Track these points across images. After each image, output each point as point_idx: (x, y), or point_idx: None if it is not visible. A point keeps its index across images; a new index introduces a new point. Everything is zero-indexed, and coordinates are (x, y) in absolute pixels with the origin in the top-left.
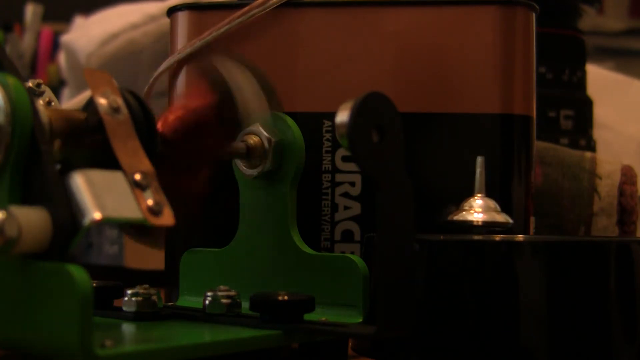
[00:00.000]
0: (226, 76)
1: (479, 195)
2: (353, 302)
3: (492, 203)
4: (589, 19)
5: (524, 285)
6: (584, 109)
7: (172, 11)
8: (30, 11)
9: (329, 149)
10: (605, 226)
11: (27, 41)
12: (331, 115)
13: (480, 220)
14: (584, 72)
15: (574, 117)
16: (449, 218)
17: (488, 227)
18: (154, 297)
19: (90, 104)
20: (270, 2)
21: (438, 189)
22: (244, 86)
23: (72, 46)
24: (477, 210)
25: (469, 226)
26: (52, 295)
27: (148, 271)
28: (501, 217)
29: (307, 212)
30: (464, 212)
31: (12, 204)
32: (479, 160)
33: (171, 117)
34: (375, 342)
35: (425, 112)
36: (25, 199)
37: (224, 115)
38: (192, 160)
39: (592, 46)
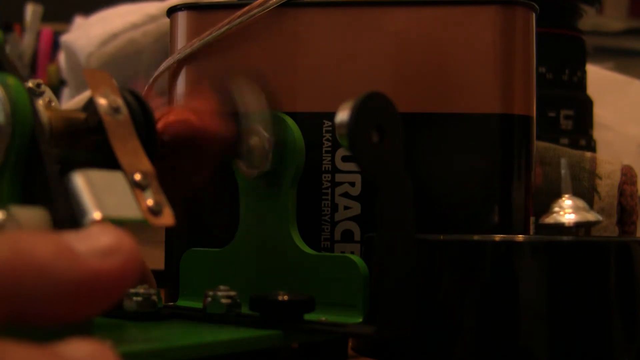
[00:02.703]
0: (236, 94)
1: (566, 195)
2: (353, 302)
3: (580, 203)
4: (589, 19)
5: (524, 285)
6: (584, 109)
7: (172, 11)
8: (30, 11)
9: (329, 149)
10: (605, 226)
11: (27, 41)
12: (331, 115)
13: (572, 221)
14: (584, 72)
15: (574, 117)
16: (540, 221)
17: (580, 226)
18: (154, 297)
19: (90, 104)
20: (270, 2)
21: (438, 189)
22: (252, 105)
23: (72, 46)
24: (568, 211)
25: (562, 227)
26: None
27: None
28: (592, 216)
29: (307, 212)
30: (554, 214)
31: (12, 204)
32: (563, 161)
33: (172, 118)
34: (375, 342)
35: (425, 112)
36: (25, 199)
37: (225, 119)
38: (193, 160)
39: (592, 46)
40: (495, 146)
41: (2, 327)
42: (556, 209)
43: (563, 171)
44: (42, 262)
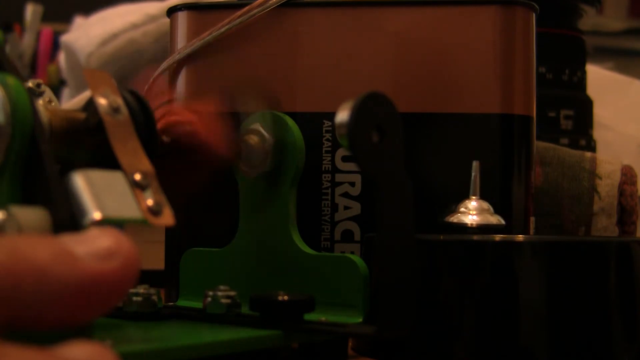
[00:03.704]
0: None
1: (473, 197)
2: (353, 302)
3: (485, 205)
4: (589, 19)
5: (524, 285)
6: (584, 109)
7: (172, 11)
8: (30, 11)
9: (329, 149)
10: (605, 226)
11: (27, 41)
12: (331, 115)
13: (474, 222)
14: (584, 72)
15: (574, 117)
16: (445, 219)
17: (482, 228)
18: (154, 297)
19: (90, 104)
20: (270, 2)
21: (438, 189)
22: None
23: (72, 46)
24: (472, 212)
25: (464, 227)
26: None
27: (148, 271)
28: (494, 219)
29: (307, 212)
30: (459, 214)
31: (12, 204)
32: (475, 164)
33: (173, 118)
34: (375, 342)
35: (426, 112)
36: (25, 199)
37: (226, 120)
38: (193, 161)
39: (592, 46)
40: (495, 146)
41: (2, 330)
42: (462, 209)
43: (473, 173)
44: (41, 266)
